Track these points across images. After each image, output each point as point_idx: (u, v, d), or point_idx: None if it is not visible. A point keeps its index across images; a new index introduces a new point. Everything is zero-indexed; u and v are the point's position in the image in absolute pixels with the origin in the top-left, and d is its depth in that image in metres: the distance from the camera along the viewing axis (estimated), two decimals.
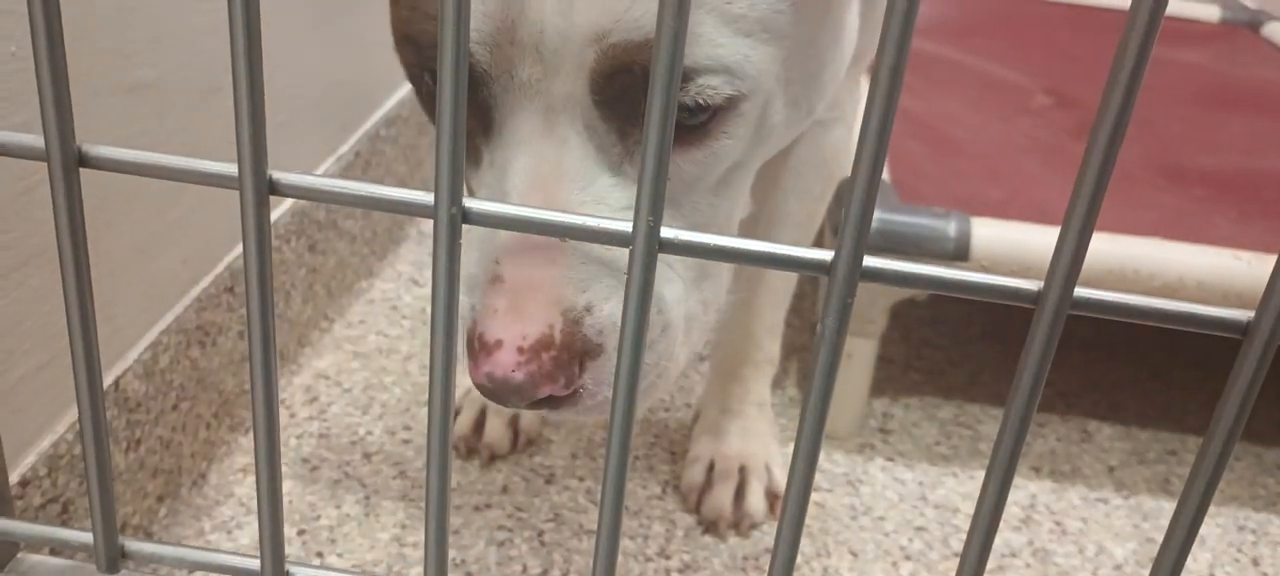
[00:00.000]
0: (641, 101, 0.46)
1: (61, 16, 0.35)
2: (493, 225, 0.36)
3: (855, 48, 0.58)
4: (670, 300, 0.52)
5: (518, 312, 0.47)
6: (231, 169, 0.36)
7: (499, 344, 0.46)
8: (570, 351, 0.47)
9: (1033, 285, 0.34)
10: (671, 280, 0.52)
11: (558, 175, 0.48)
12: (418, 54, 0.49)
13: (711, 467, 0.89)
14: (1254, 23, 1.64)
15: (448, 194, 0.34)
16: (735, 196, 0.56)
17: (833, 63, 0.56)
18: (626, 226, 0.35)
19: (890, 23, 0.30)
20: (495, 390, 0.47)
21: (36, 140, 0.37)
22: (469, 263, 0.48)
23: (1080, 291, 0.34)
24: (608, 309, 0.48)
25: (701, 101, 0.48)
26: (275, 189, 0.36)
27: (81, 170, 0.37)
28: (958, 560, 0.39)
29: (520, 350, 0.46)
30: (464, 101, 0.33)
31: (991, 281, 0.35)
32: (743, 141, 0.52)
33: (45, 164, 0.37)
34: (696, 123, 0.49)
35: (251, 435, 0.77)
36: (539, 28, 0.45)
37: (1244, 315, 0.34)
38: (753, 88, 0.49)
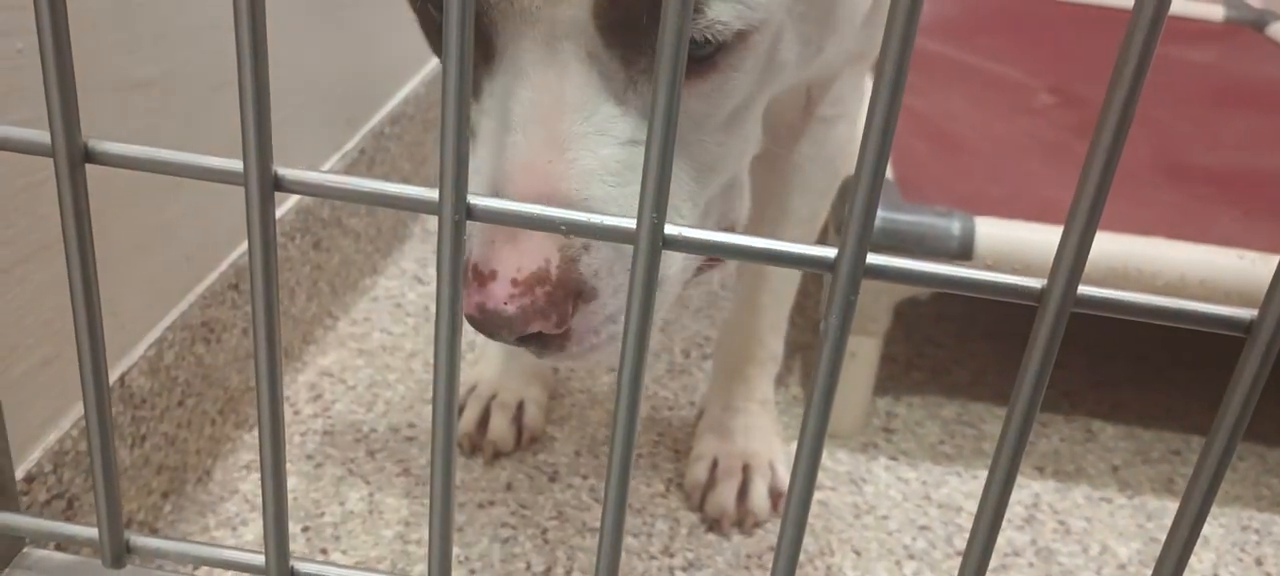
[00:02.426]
0: (647, 26, 0.44)
1: (67, 13, 0.35)
2: (497, 221, 0.36)
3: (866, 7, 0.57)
4: (670, 276, 0.51)
5: (514, 244, 0.46)
6: (236, 165, 0.36)
7: (493, 274, 0.45)
8: (565, 289, 0.46)
9: (1036, 283, 0.34)
10: (672, 259, 0.51)
11: (559, 106, 0.46)
12: None
13: (715, 465, 0.89)
14: (1258, 22, 1.63)
15: (452, 191, 0.34)
16: (746, 135, 0.55)
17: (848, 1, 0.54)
18: (630, 223, 0.35)
19: (894, 20, 0.30)
20: (484, 321, 0.46)
21: (42, 136, 0.37)
22: (473, 187, 0.48)
23: (1084, 289, 0.34)
24: (605, 250, 0.47)
25: (710, 37, 0.46)
26: (280, 185, 0.36)
27: (87, 166, 0.37)
28: (961, 559, 0.39)
29: (514, 282, 0.45)
30: (469, 97, 0.33)
31: (995, 279, 0.35)
32: (751, 76, 0.50)
33: (50, 160, 0.37)
34: (703, 55, 0.47)
35: (256, 432, 0.77)
36: None
37: (1248, 313, 0.34)
38: (763, 19, 0.47)
